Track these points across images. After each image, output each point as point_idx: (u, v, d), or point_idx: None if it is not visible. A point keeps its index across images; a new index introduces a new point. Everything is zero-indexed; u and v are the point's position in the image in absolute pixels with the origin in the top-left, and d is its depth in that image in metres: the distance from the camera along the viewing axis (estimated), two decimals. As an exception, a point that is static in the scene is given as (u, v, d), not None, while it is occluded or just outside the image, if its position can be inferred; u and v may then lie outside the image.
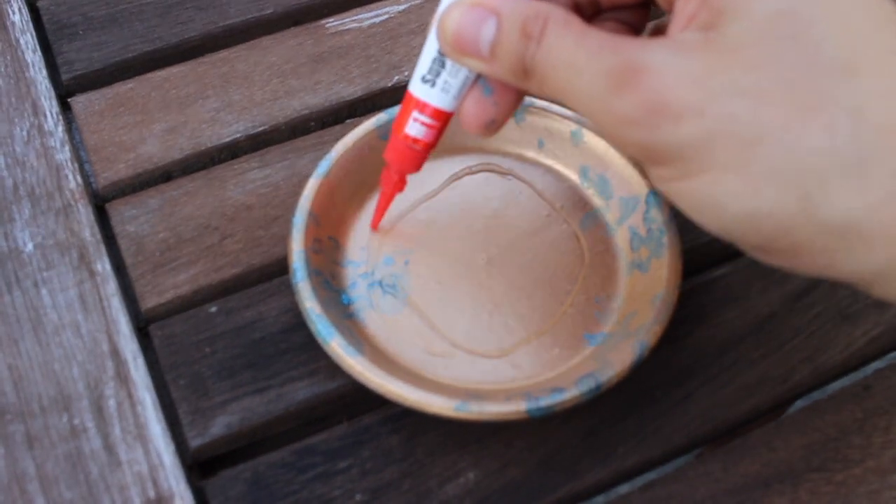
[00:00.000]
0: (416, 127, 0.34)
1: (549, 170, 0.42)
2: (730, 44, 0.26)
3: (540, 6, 0.29)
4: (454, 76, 0.32)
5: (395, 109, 0.41)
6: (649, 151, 0.28)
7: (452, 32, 0.30)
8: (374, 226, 0.40)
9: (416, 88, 0.33)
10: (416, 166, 0.36)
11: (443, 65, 0.32)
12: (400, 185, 0.38)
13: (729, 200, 0.27)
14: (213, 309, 0.39)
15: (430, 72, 0.32)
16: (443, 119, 0.34)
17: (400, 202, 0.41)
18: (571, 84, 0.28)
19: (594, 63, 0.27)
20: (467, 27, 0.30)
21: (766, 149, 0.26)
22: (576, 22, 0.28)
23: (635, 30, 0.33)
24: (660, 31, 0.33)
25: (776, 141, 0.26)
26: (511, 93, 0.32)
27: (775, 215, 0.26)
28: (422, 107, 0.34)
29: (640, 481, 0.36)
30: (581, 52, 0.28)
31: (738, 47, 0.26)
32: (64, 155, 0.43)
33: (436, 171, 0.42)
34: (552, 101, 0.29)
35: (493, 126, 0.33)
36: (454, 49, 0.30)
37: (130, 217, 0.42)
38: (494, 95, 0.32)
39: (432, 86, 0.33)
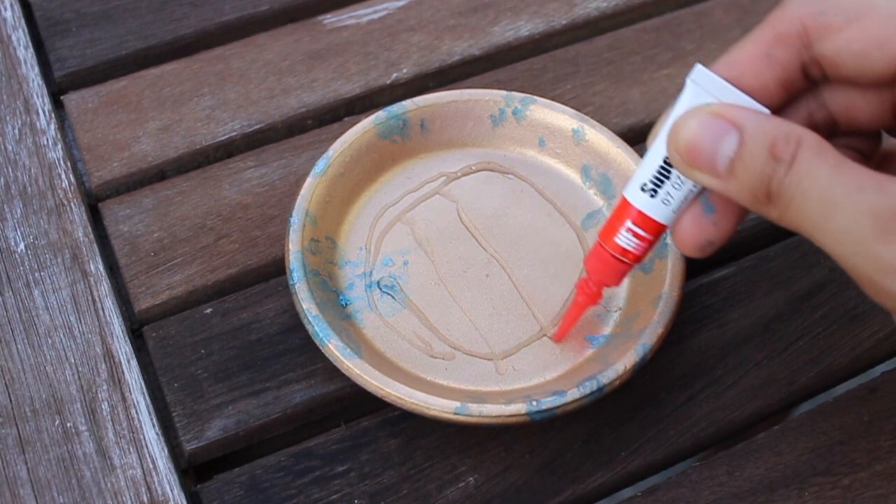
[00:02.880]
0: (627, 238, 0.32)
1: (550, 168, 0.42)
2: None
3: (791, 126, 0.26)
4: (678, 188, 0.30)
5: (395, 107, 0.41)
6: None
7: (686, 142, 0.27)
8: (559, 337, 0.37)
9: (635, 197, 0.31)
10: (618, 280, 0.34)
11: (667, 175, 0.30)
12: (597, 297, 0.35)
13: None
14: (209, 310, 0.39)
15: (652, 181, 0.30)
16: (658, 233, 0.31)
17: (399, 202, 0.40)
18: (825, 219, 0.26)
19: (855, 201, 0.25)
20: (704, 139, 0.27)
21: None
22: (830, 150, 0.26)
23: (865, 157, 0.31)
24: (889, 157, 0.31)
25: None
26: (735, 213, 0.30)
27: None
28: (638, 217, 0.31)
29: (643, 485, 0.35)
30: (838, 186, 0.25)
31: None
32: (56, 153, 0.42)
33: (435, 170, 0.41)
34: (793, 230, 0.27)
35: (709, 247, 0.30)
36: (685, 161, 0.28)
37: (124, 217, 0.41)
38: (716, 214, 0.30)
39: (652, 196, 0.30)
